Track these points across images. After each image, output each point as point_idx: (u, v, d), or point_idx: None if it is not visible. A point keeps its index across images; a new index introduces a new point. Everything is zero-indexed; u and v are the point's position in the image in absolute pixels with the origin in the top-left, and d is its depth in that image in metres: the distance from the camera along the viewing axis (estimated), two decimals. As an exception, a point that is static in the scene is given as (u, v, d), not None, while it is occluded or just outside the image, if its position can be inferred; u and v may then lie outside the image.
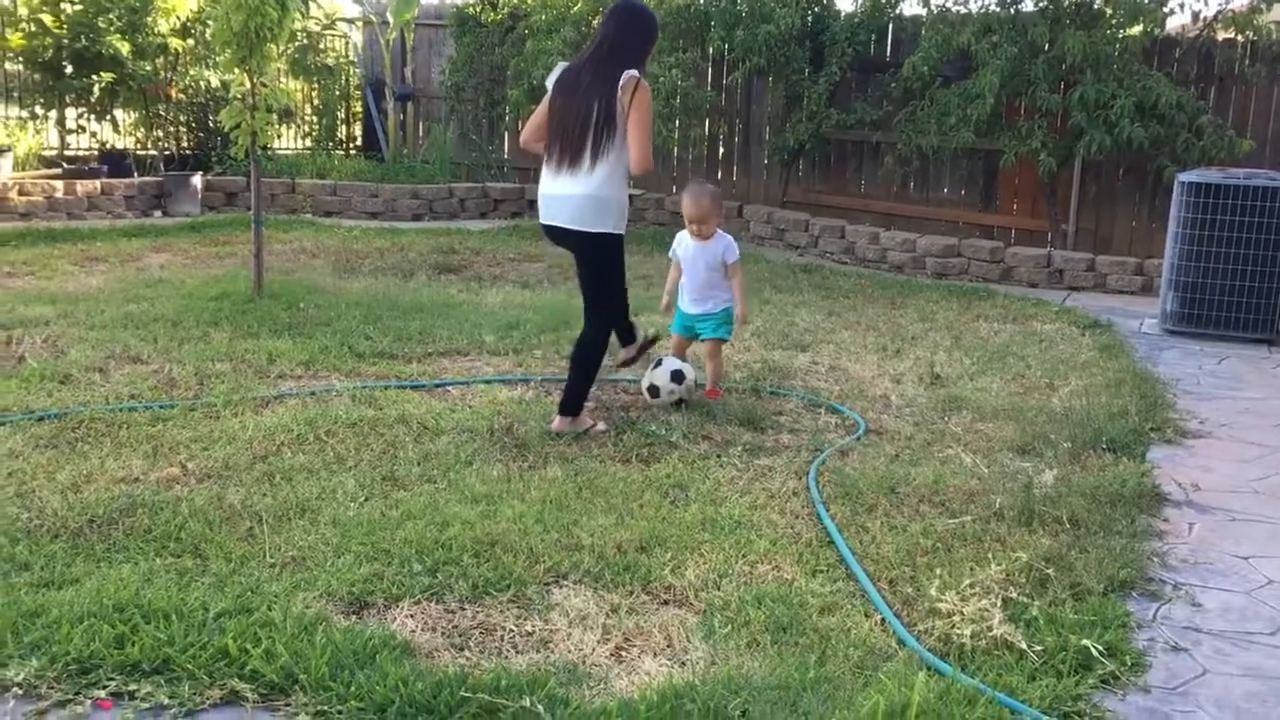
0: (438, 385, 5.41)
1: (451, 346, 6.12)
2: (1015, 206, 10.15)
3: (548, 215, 4.77)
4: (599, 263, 4.77)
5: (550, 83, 4.78)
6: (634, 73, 4.58)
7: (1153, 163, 8.82)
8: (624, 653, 3.00)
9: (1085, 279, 9.04)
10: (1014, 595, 3.32)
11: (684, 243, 5.29)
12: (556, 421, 4.75)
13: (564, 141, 4.64)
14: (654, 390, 5.13)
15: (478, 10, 12.63)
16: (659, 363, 5.20)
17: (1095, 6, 9.07)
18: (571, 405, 4.78)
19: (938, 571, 3.48)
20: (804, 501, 4.09)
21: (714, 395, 5.30)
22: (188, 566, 3.31)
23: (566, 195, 4.65)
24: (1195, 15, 9.06)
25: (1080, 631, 3.11)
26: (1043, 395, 5.66)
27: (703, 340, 5.36)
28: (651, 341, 5.27)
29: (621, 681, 2.85)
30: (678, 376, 5.12)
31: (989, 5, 9.48)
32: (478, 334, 6.34)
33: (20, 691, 2.65)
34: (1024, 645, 3.03)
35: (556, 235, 4.79)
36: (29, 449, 4.25)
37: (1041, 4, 9.18)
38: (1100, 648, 3.03)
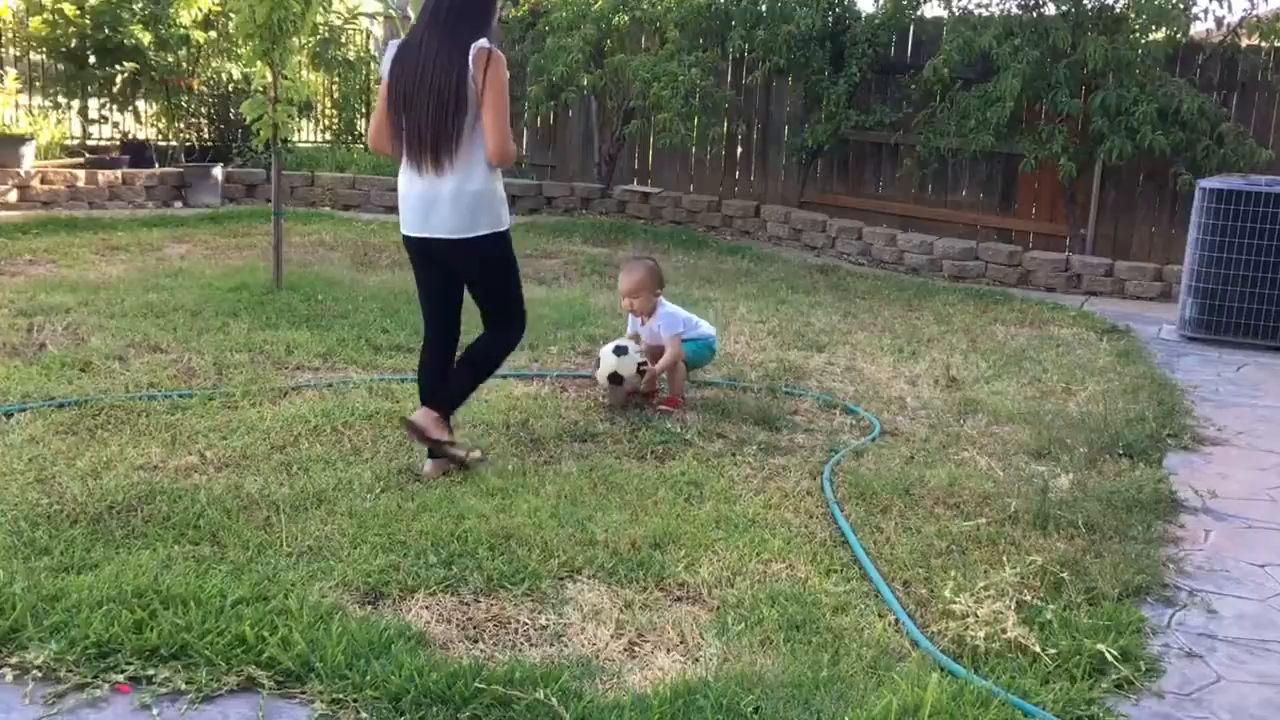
0: (454, 379, 5.41)
1: (467, 341, 6.11)
2: (1034, 210, 10.11)
3: (414, 225, 4.00)
4: (496, 265, 4.08)
5: (385, 68, 3.98)
6: (484, 43, 3.83)
7: (1173, 169, 8.78)
8: (637, 648, 3.01)
9: (1103, 284, 9.00)
10: (1028, 598, 3.32)
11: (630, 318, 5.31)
12: (419, 413, 4.11)
13: (417, 133, 3.89)
14: (616, 378, 4.98)
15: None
16: (598, 360, 5.07)
17: (1118, 10, 9.04)
18: (452, 399, 4.20)
19: (952, 573, 3.48)
20: (818, 501, 4.09)
21: (673, 404, 5.10)
22: (206, 554, 3.34)
23: (433, 197, 3.92)
24: (1219, 21, 9.01)
25: (1094, 636, 3.10)
26: (1059, 400, 5.64)
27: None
28: (462, 463, 4.14)
29: (635, 676, 2.86)
30: (620, 350, 4.99)
31: (1011, 8, 9.45)
32: (494, 329, 6.34)
33: (40, 674, 2.68)
34: (1038, 648, 3.03)
35: (429, 249, 4.02)
36: (49, 435, 4.29)
37: (1064, 8, 9.15)
38: (1114, 652, 3.02)
